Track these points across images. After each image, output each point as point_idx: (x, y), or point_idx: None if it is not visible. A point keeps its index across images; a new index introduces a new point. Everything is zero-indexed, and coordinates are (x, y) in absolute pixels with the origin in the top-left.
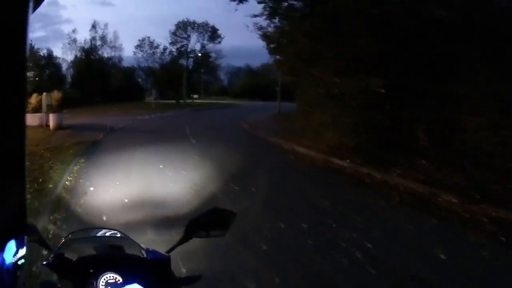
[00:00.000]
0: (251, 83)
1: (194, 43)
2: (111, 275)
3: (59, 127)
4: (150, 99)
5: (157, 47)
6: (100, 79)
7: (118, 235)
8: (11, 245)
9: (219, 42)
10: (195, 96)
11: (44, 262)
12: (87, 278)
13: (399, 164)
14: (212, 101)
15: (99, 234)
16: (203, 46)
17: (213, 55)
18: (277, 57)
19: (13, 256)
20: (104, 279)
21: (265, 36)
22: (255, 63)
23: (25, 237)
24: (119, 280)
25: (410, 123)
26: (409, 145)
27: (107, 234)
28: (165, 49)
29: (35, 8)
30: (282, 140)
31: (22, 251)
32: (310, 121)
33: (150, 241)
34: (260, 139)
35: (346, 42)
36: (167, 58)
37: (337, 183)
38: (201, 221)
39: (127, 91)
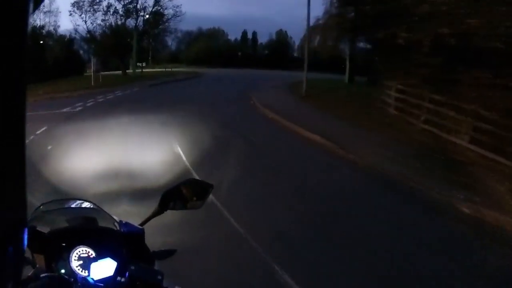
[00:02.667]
0: (209, 49)
1: None
2: (84, 249)
3: None
4: (90, 71)
5: (99, 2)
6: (33, 53)
7: (91, 206)
8: (13, 242)
9: None
10: (143, 64)
11: None
12: (59, 252)
13: None
14: (167, 69)
15: (72, 205)
16: (157, 1)
17: (169, 12)
18: None
19: (15, 253)
20: (77, 253)
21: None
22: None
23: (26, 234)
24: (92, 254)
25: None
26: None
27: (80, 205)
28: (109, 6)
29: (35, 8)
30: None
31: (23, 248)
32: None
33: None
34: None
35: None
36: (111, 19)
37: None
38: (177, 192)
39: (66, 64)
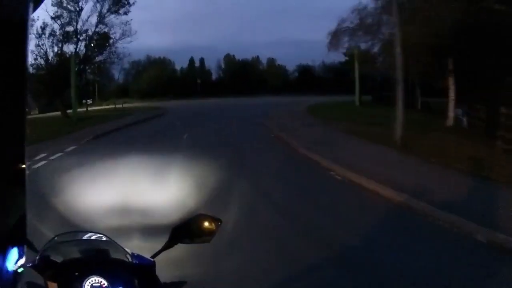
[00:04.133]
0: (160, 78)
1: (88, 15)
2: (97, 278)
3: None
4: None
5: (32, 22)
6: None
7: (104, 238)
8: (12, 254)
9: (126, 13)
10: (89, 101)
11: (30, 264)
12: (72, 281)
13: None
14: (117, 106)
15: (84, 237)
16: (101, 19)
17: (115, 33)
18: None
19: (14, 265)
20: (90, 282)
21: None
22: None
23: (25, 246)
24: (104, 284)
25: None
26: None
27: (93, 237)
28: (44, 27)
29: (35, 8)
30: None
31: (22, 260)
32: None
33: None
34: None
35: None
36: (47, 43)
37: None
38: (187, 227)
39: None
